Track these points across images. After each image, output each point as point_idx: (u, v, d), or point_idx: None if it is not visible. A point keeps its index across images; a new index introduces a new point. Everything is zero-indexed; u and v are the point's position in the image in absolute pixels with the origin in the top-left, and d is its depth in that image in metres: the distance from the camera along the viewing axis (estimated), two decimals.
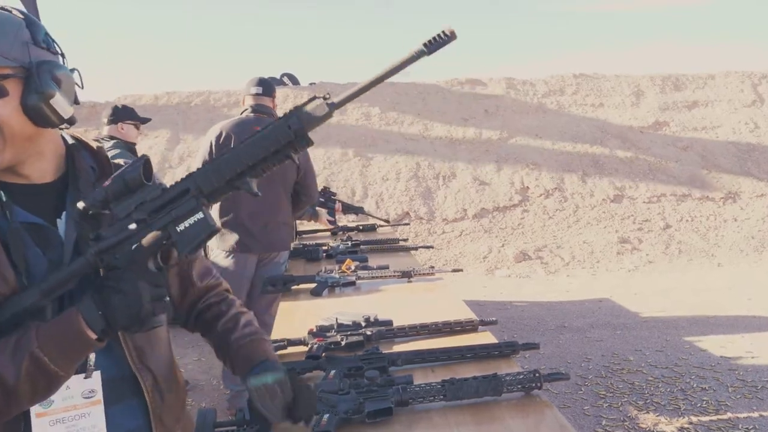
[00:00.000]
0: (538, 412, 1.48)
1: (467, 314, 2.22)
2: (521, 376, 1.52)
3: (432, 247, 3.84)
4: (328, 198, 4.60)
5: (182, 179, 1.02)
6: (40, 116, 1.02)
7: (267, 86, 3.49)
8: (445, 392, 1.47)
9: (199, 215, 0.99)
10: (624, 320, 5.19)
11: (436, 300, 2.52)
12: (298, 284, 2.77)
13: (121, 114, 3.66)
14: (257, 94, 3.44)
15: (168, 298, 1.03)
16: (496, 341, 1.93)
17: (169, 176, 8.72)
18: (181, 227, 0.99)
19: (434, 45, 0.91)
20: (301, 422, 1.21)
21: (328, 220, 4.46)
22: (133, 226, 1.00)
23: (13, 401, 0.95)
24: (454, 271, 2.92)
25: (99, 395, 1.10)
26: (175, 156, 9.39)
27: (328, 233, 4.45)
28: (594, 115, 10.86)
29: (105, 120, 3.67)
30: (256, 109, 3.41)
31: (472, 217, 8.56)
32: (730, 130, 10.49)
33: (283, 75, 12.20)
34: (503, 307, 5.77)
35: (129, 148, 3.60)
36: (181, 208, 1.00)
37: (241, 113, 3.47)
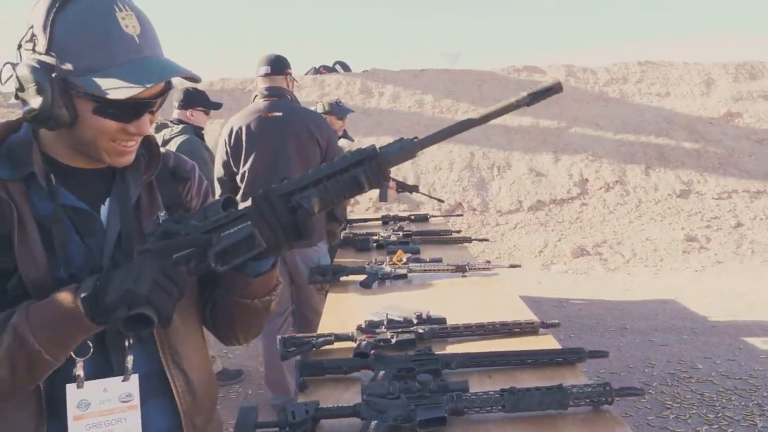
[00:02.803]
0: (607, 429, 1.32)
1: (527, 314, 2.07)
2: (590, 389, 1.36)
3: (487, 239, 3.68)
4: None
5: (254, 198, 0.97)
6: None
7: (276, 63, 3.21)
8: (504, 403, 1.33)
9: (246, 233, 0.94)
10: (691, 324, 4.88)
11: (492, 297, 2.38)
12: (347, 275, 2.66)
13: (192, 100, 3.62)
14: (266, 75, 3.19)
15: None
16: (558, 346, 1.78)
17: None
18: (225, 233, 0.95)
19: (539, 95, 0.93)
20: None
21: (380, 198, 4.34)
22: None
23: None
24: (512, 266, 2.75)
25: (136, 399, 1.04)
26: (220, 140, 9.47)
27: (379, 222, 4.34)
28: (660, 105, 10.38)
29: (176, 104, 3.65)
30: (268, 92, 3.18)
31: (528, 209, 8.30)
32: None
33: (335, 63, 12.19)
34: (559, 304, 5.54)
35: (197, 132, 3.58)
36: (232, 226, 0.95)
37: (253, 99, 3.29)
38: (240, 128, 3.13)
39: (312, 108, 3.69)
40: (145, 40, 0.94)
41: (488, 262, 2.71)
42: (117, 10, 0.92)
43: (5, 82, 0.96)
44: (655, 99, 10.58)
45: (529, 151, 9.26)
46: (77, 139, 0.97)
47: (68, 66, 0.90)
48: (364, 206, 7.77)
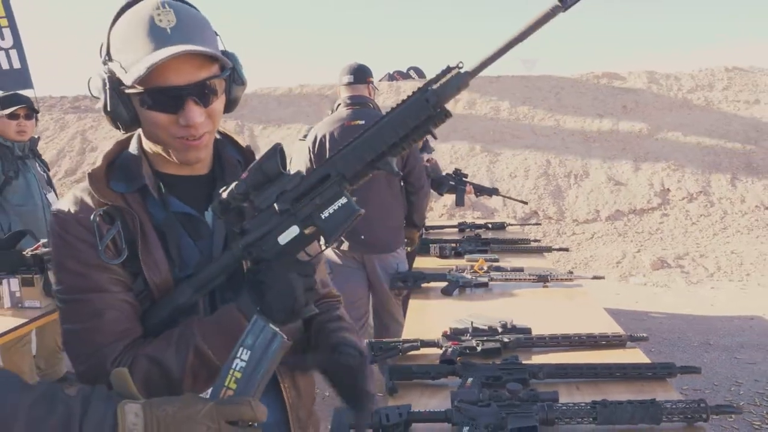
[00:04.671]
0: None
1: (612, 327, 2.07)
2: (684, 405, 1.36)
3: (567, 249, 3.64)
4: (459, 180, 4.51)
5: (321, 165, 0.99)
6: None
7: (359, 72, 3.27)
8: (595, 415, 1.35)
9: (343, 200, 0.97)
10: None
11: (576, 308, 2.37)
12: (428, 282, 2.71)
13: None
14: (349, 84, 3.25)
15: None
16: (647, 360, 1.77)
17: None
18: (325, 214, 0.97)
19: (569, 0, 0.87)
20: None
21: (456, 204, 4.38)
22: (277, 216, 0.99)
23: (177, 392, 0.97)
24: (595, 278, 2.73)
25: None
26: (304, 147, 9.69)
27: (455, 229, 4.37)
28: (748, 113, 9.90)
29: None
30: (351, 101, 3.24)
31: (606, 219, 8.10)
32: None
33: (410, 69, 12.28)
34: (639, 317, 5.39)
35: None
36: (324, 194, 0.98)
37: (336, 107, 3.36)
38: (324, 136, 3.23)
39: None
40: (179, 31, 0.97)
41: (571, 272, 2.69)
42: (156, 8, 0.98)
43: (94, 95, 1.06)
44: (742, 107, 10.10)
45: (608, 159, 9.03)
46: (153, 142, 1.07)
47: (117, 67, 0.99)
48: (438, 212, 7.80)
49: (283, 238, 0.99)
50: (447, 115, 0.94)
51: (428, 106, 0.92)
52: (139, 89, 0.97)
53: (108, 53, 1.01)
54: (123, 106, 1.01)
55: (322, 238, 1.01)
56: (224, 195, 0.98)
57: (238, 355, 0.86)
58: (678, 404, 1.36)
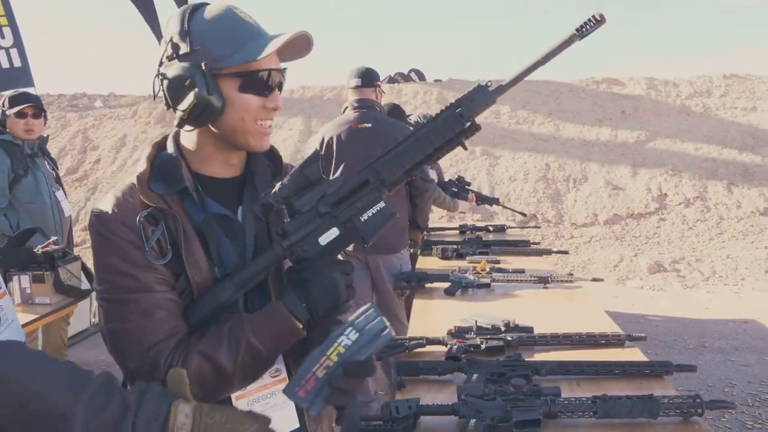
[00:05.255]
0: None
1: (611, 327, 2.13)
2: (680, 400, 1.42)
3: (566, 252, 3.72)
4: (461, 188, 4.57)
5: (361, 170, 1.08)
6: None
7: (366, 76, 3.34)
8: (596, 409, 1.41)
9: (381, 205, 1.07)
10: None
11: (576, 309, 2.43)
12: (431, 282, 2.77)
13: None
14: (357, 87, 3.31)
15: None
16: (645, 359, 1.83)
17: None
18: (364, 217, 1.06)
19: (585, 30, 1.00)
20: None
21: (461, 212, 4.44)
22: (318, 218, 1.06)
23: (227, 387, 1.05)
24: (594, 280, 2.80)
25: (284, 373, 1.17)
26: (308, 148, 9.75)
27: (457, 231, 4.43)
28: (745, 120, 10.00)
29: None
30: (358, 104, 3.30)
31: (604, 223, 8.18)
32: None
33: (410, 71, 12.35)
34: (635, 320, 5.46)
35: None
36: (364, 199, 1.07)
37: (343, 110, 3.42)
38: (332, 138, 3.28)
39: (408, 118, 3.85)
40: (260, 26, 1.10)
41: (571, 274, 2.76)
42: (233, 8, 1.10)
43: (156, 96, 1.11)
44: (740, 113, 10.19)
45: (607, 164, 9.11)
46: (226, 129, 1.10)
47: (210, 55, 1.05)
48: (438, 214, 7.86)
49: (324, 239, 1.06)
50: (477, 128, 1.06)
51: (461, 121, 1.05)
52: (239, 70, 1.05)
53: (191, 45, 1.06)
54: (216, 95, 1.05)
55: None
56: (268, 198, 1.04)
57: (346, 333, 0.91)
58: (674, 399, 1.42)
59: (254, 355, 1.02)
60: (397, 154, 1.07)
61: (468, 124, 1.05)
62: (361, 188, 1.07)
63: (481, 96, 1.05)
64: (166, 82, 1.07)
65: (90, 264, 1.53)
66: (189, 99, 1.04)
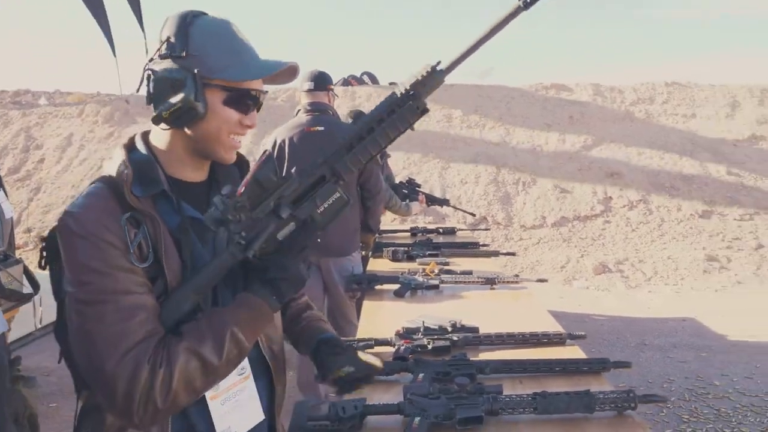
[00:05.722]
0: None
1: (554, 326, 2.20)
2: (615, 395, 1.49)
3: (514, 254, 3.80)
4: (412, 189, 4.62)
5: (317, 165, 1.12)
6: None
7: (319, 80, 3.33)
8: (535, 405, 1.46)
9: (336, 195, 1.12)
10: (709, 342, 4.95)
11: (521, 309, 2.50)
12: (381, 284, 2.80)
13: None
14: (309, 90, 3.30)
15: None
16: (584, 356, 1.90)
17: None
18: (321, 209, 1.11)
19: (531, 1, 1.00)
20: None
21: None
22: (277, 219, 1.10)
23: (214, 381, 1.07)
24: (539, 281, 2.88)
25: (248, 370, 1.20)
26: (260, 150, 9.68)
27: (407, 233, 4.48)
28: (685, 126, 10.42)
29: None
30: (311, 107, 3.29)
31: (551, 225, 8.39)
32: None
33: (363, 74, 12.40)
34: (581, 319, 5.63)
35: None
36: (323, 194, 1.11)
37: (296, 113, 3.41)
38: (284, 140, 3.27)
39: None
40: (253, 47, 1.15)
41: (516, 276, 2.83)
42: (232, 24, 1.14)
43: (138, 89, 1.14)
44: (680, 120, 10.61)
45: (555, 168, 9.35)
46: (200, 136, 1.12)
47: (205, 64, 1.08)
48: (390, 217, 7.91)
49: (282, 234, 1.10)
50: (427, 111, 1.11)
51: (418, 112, 1.09)
52: (229, 85, 1.10)
53: (187, 49, 1.08)
54: (201, 101, 1.08)
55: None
56: (218, 211, 1.05)
57: None
58: (609, 394, 1.48)
59: (237, 345, 1.06)
60: (354, 148, 1.11)
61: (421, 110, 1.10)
62: (318, 185, 1.12)
63: (434, 79, 1.08)
64: (153, 78, 1.10)
65: (33, 267, 1.50)
66: (175, 100, 1.07)
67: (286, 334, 1.43)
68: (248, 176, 1.07)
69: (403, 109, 1.09)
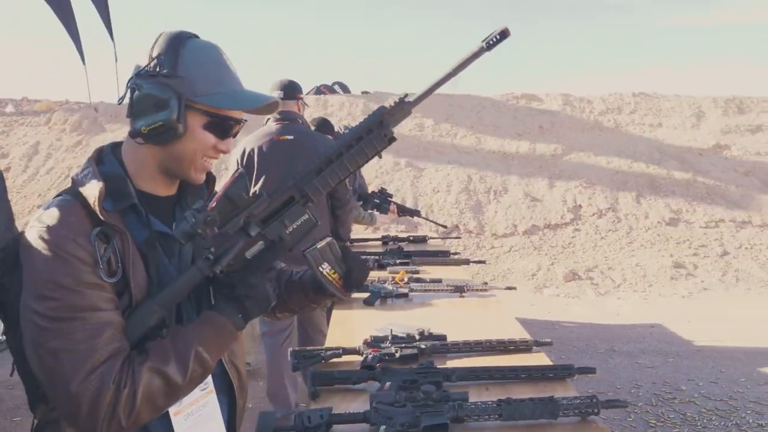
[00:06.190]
0: None
1: (521, 333, 2.21)
2: (578, 401, 1.50)
3: (484, 262, 3.82)
4: (383, 199, 4.62)
5: (287, 187, 1.14)
6: None
7: (289, 89, 3.35)
8: (500, 412, 1.46)
9: (305, 216, 1.15)
10: (676, 348, 5.04)
11: (489, 317, 2.52)
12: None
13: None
14: (279, 99, 3.36)
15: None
16: (550, 363, 1.92)
17: (224, 178, 8.95)
18: (290, 229, 1.14)
19: (492, 42, 1.06)
20: (354, 290, 1.33)
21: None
22: (245, 237, 1.12)
23: (176, 399, 1.08)
24: (508, 288, 2.90)
25: (211, 385, 1.21)
26: (227, 158, 9.61)
27: (379, 242, 4.48)
28: (652, 135, 10.63)
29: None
30: (280, 116, 3.30)
31: (522, 233, 8.47)
32: None
33: (334, 83, 12.42)
34: (551, 326, 5.69)
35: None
36: (291, 215, 1.14)
37: (265, 122, 3.41)
38: (252, 149, 3.26)
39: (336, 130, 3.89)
40: (239, 76, 1.17)
41: (485, 284, 2.84)
42: (222, 51, 1.16)
43: (121, 101, 1.14)
44: (647, 129, 10.83)
45: (525, 177, 9.45)
46: (174, 155, 1.13)
47: (191, 87, 1.09)
48: (362, 225, 7.92)
49: (250, 253, 1.12)
50: (394, 140, 1.16)
51: (386, 141, 1.14)
52: (211, 111, 1.11)
53: (175, 70, 1.09)
54: (182, 122, 1.09)
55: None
56: (189, 225, 1.05)
57: None
58: (573, 400, 1.50)
59: (202, 364, 1.06)
60: (323, 171, 1.14)
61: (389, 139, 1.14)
62: (287, 205, 1.14)
63: (401, 110, 1.14)
64: (138, 93, 1.10)
65: None
66: (157, 118, 1.08)
67: (287, 300, 1.42)
68: (220, 192, 1.09)
69: (372, 137, 1.13)
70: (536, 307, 6.48)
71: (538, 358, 1.97)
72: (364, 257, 3.52)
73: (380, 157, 1.18)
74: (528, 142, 10.21)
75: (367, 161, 1.15)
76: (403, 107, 1.14)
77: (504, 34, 1.06)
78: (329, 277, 1.26)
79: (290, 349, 1.94)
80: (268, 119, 3.39)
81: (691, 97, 11.73)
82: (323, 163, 1.14)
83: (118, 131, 9.77)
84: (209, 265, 1.09)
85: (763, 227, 8.62)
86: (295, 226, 1.14)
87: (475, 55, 1.09)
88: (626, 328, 5.66)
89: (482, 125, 10.59)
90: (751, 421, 3.60)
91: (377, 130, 1.13)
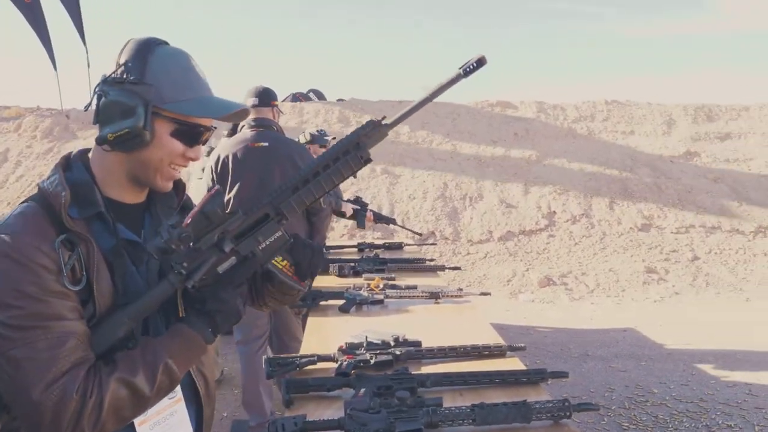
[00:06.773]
0: None
1: (495, 339, 2.23)
2: (550, 405, 1.52)
3: (459, 268, 3.84)
4: (359, 211, 4.63)
5: (262, 204, 1.15)
6: None
7: (264, 95, 3.36)
8: (474, 417, 1.48)
9: (278, 233, 1.17)
10: (648, 351, 5.12)
11: (464, 322, 2.53)
12: (326, 300, 2.79)
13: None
14: (254, 106, 3.31)
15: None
16: (524, 367, 1.94)
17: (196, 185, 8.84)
18: (263, 245, 1.16)
19: (469, 69, 1.11)
20: (308, 278, 1.32)
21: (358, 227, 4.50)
22: (218, 252, 1.12)
23: (143, 409, 1.06)
24: (482, 294, 2.92)
25: (179, 394, 1.20)
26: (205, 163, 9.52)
27: (355, 249, 4.48)
28: (624, 143, 10.80)
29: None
30: (255, 123, 3.31)
31: (498, 239, 8.53)
32: (763, 163, 10.34)
33: (309, 91, 12.39)
34: (526, 331, 5.73)
35: None
36: (265, 232, 1.16)
37: (240, 128, 3.41)
38: (227, 156, 3.25)
39: (295, 138, 3.87)
40: (208, 83, 1.17)
41: (460, 289, 2.86)
42: (191, 58, 1.15)
43: (87, 108, 1.14)
44: (620, 136, 11.00)
45: (500, 184, 9.53)
46: (141, 162, 1.12)
47: (158, 94, 1.08)
48: (339, 233, 7.91)
49: (222, 268, 1.12)
50: (369, 161, 1.17)
51: (362, 162, 1.15)
52: (179, 118, 1.10)
53: (142, 77, 1.08)
54: (149, 129, 1.08)
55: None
56: (162, 240, 1.04)
57: None
58: (545, 404, 1.52)
59: (170, 376, 1.06)
60: (299, 191, 1.15)
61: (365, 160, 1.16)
62: (261, 222, 1.15)
63: (378, 133, 1.16)
64: (104, 100, 1.09)
65: None
66: (123, 125, 1.07)
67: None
68: (196, 208, 1.08)
69: (348, 158, 1.15)
70: (511, 312, 6.53)
71: (512, 363, 1.99)
72: (340, 264, 3.55)
73: (355, 176, 1.21)
74: (503, 149, 10.31)
75: (342, 181, 1.17)
76: (379, 130, 1.16)
77: (480, 62, 1.10)
78: (279, 265, 1.25)
79: (264, 357, 1.93)
80: (243, 126, 3.38)
81: (662, 105, 11.95)
82: (299, 182, 1.15)
83: (91, 138, 9.60)
84: (181, 280, 1.08)
85: (732, 233, 8.80)
86: (268, 243, 1.15)
87: (452, 81, 1.13)
88: (600, 333, 5.73)
89: (457, 132, 10.66)
90: (720, 422, 3.66)
91: (354, 152, 1.15)
